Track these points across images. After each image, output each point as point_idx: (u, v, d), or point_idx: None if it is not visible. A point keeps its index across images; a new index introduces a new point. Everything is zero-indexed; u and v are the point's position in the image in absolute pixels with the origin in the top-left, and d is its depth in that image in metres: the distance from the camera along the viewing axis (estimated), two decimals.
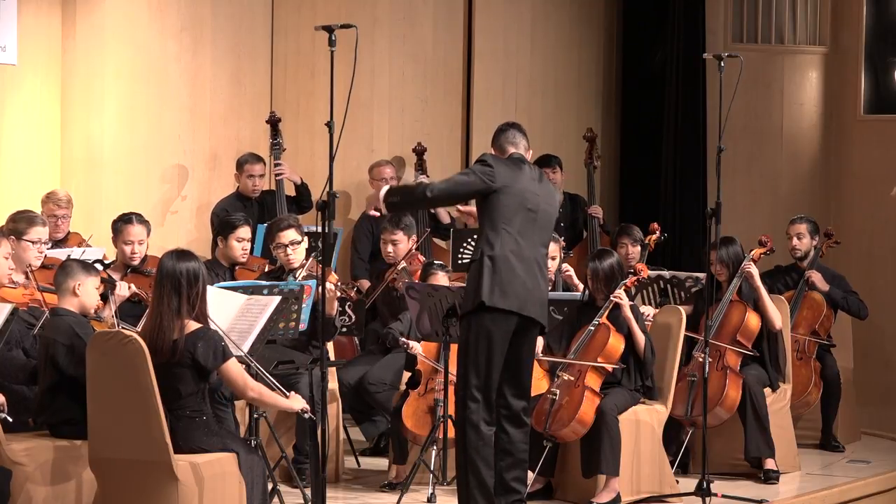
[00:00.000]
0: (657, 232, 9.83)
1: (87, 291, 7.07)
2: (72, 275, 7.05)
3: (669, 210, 11.65)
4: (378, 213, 7.23)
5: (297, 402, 6.65)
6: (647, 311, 8.67)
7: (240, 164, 10.13)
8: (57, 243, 8.84)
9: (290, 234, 8.42)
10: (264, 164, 10.14)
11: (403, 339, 8.35)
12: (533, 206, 7.10)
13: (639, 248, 9.72)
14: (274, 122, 10.30)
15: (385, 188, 7.14)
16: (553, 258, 8.90)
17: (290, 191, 10.27)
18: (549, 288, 8.87)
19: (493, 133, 7.34)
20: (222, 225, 9.05)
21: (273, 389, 6.61)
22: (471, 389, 7.00)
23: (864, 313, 9.85)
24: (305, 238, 8.50)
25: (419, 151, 10.65)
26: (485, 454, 7.03)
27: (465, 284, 7.28)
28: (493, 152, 7.26)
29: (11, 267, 7.51)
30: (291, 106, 10.80)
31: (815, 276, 9.63)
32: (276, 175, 10.16)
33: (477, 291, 6.99)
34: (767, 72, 11.54)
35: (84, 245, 8.79)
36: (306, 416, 6.68)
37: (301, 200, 10.23)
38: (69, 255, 8.20)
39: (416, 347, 8.23)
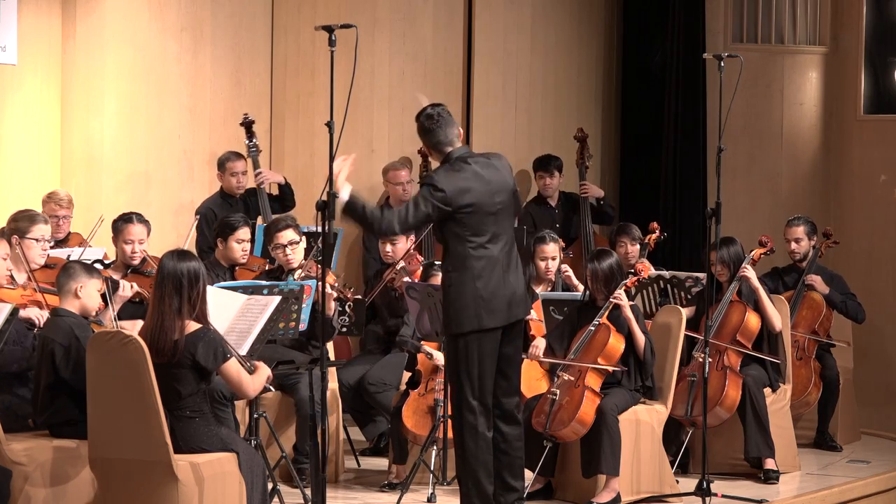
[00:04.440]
0: (657, 231, 9.80)
1: (88, 294, 7.07)
2: (74, 277, 7.05)
3: (669, 210, 11.63)
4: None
5: (263, 373, 6.67)
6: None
7: (221, 164, 9.98)
8: (58, 243, 8.85)
9: (288, 235, 8.42)
10: (245, 161, 10.06)
11: (427, 349, 8.20)
12: (490, 207, 6.93)
13: (637, 246, 9.68)
14: (248, 125, 10.19)
15: (344, 196, 6.67)
16: (553, 258, 8.90)
17: (274, 190, 10.20)
18: (549, 288, 8.90)
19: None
20: (222, 227, 9.01)
21: (249, 371, 6.60)
22: (466, 397, 6.93)
23: (861, 317, 9.83)
24: (303, 238, 8.50)
25: (425, 153, 10.60)
26: (485, 460, 6.97)
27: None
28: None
29: (10, 268, 7.51)
30: (291, 106, 10.79)
31: (816, 281, 9.62)
32: (258, 182, 10.02)
33: (460, 318, 6.87)
34: (767, 72, 11.53)
35: (85, 245, 8.80)
36: (269, 387, 6.78)
37: (284, 199, 10.10)
38: (69, 256, 8.20)
39: (438, 357, 8.07)
